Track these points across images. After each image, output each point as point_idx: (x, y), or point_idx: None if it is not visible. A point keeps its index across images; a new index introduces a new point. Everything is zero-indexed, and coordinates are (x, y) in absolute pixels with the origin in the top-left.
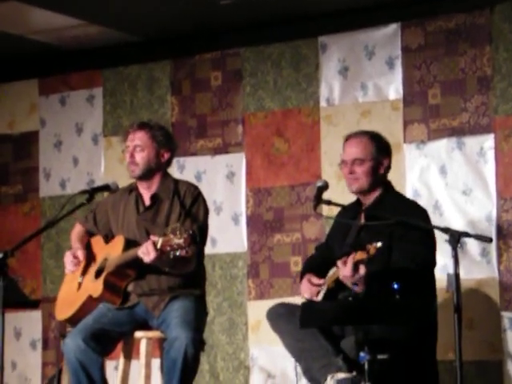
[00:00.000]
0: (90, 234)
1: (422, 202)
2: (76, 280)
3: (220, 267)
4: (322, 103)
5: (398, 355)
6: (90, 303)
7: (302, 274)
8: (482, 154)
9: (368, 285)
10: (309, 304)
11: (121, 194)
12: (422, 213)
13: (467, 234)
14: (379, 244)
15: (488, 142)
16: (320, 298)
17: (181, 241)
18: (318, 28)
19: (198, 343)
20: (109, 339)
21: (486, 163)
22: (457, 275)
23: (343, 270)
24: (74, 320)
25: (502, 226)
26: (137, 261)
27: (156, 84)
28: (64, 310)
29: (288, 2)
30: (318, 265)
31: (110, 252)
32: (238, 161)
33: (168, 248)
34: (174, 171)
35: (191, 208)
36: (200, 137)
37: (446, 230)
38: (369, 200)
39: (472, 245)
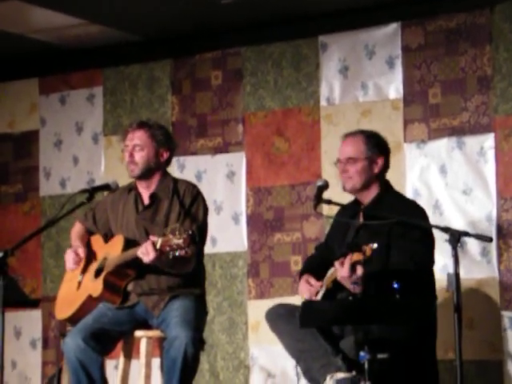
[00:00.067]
0: (89, 233)
1: (422, 201)
2: (76, 279)
3: (220, 266)
4: (323, 102)
5: (398, 355)
6: (89, 303)
7: (301, 274)
8: (482, 154)
9: (366, 285)
10: (309, 304)
11: (120, 193)
12: (420, 212)
13: (467, 234)
14: (375, 245)
15: (488, 141)
16: (319, 298)
17: (180, 241)
18: (319, 27)
19: (197, 342)
20: (109, 338)
21: (486, 163)
22: (457, 275)
23: (341, 270)
24: (74, 319)
25: (502, 226)
26: (136, 261)
27: (156, 83)
28: (64, 309)
29: (288, 2)
30: (317, 265)
31: (110, 251)
32: (238, 160)
33: (167, 248)
34: (174, 170)
35: (191, 208)
36: (200, 136)
37: (446, 230)
38: (367, 199)
39: (472, 244)
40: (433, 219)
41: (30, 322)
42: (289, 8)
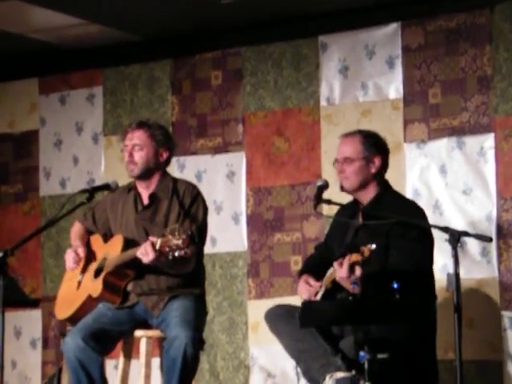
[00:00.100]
0: (89, 232)
1: (422, 201)
2: (75, 278)
3: (220, 266)
4: (323, 102)
5: (398, 354)
6: (89, 303)
7: (300, 274)
8: (482, 154)
9: (364, 286)
10: (309, 304)
11: (119, 193)
12: (419, 212)
13: (467, 234)
14: (373, 246)
15: (488, 141)
16: (318, 298)
17: (179, 242)
18: (319, 27)
19: (197, 342)
20: (109, 338)
21: (486, 163)
22: (457, 275)
23: (339, 271)
24: (74, 319)
25: (502, 226)
26: (136, 261)
27: (156, 83)
28: (64, 309)
29: (288, 2)
30: (317, 264)
31: (109, 251)
32: (238, 160)
33: (167, 249)
34: (174, 170)
35: (190, 208)
36: (200, 136)
37: (446, 230)
38: (366, 199)
39: (472, 244)
40: (433, 219)
41: (29, 321)
42: (289, 8)
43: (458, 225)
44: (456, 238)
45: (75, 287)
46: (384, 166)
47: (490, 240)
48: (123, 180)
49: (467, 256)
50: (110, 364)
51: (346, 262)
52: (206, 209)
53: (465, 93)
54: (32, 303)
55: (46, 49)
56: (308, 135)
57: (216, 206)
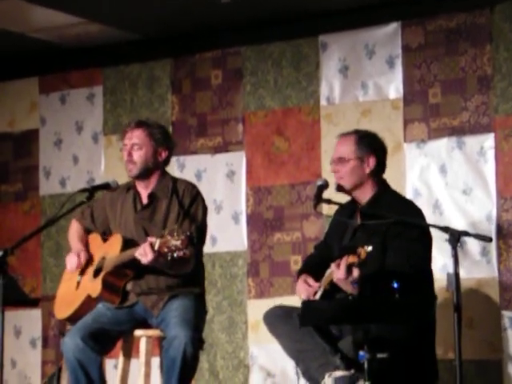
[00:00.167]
0: (87, 231)
1: (422, 201)
2: (75, 278)
3: (220, 266)
4: (323, 102)
5: (398, 354)
6: (88, 303)
7: (300, 274)
8: (482, 154)
9: (362, 286)
10: (309, 303)
11: (118, 192)
12: (416, 212)
13: (467, 234)
14: (369, 248)
15: (488, 141)
16: (317, 298)
17: (178, 242)
18: (319, 27)
19: (197, 342)
20: (108, 338)
21: (486, 162)
22: (457, 274)
23: (337, 272)
24: (73, 319)
25: (501, 226)
26: (135, 261)
27: (156, 82)
28: (63, 309)
29: (288, 1)
30: (316, 264)
31: (108, 251)
32: (238, 159)
33: (165, 249)
34: (174, 170)
35: (190, 208)
36: (200, 135)
37: (445, 230)
38: (363, 199)
39: (472, 244)
40: (433, 219)
41: (29, 321)
42: (289, 7)
43: (458, 225)
44: (456, 237)
45: (74, 287)
46: (380, 166)
47: (490, 240)
48: (123, 179)
49: (467, 256)
50: (109, 363)
51: (343, 263)
52: (205, 209)
53: (465, 93)
54: (32, 302)
55: (46, 48)
56: (308, 135)
57: (216, 206)
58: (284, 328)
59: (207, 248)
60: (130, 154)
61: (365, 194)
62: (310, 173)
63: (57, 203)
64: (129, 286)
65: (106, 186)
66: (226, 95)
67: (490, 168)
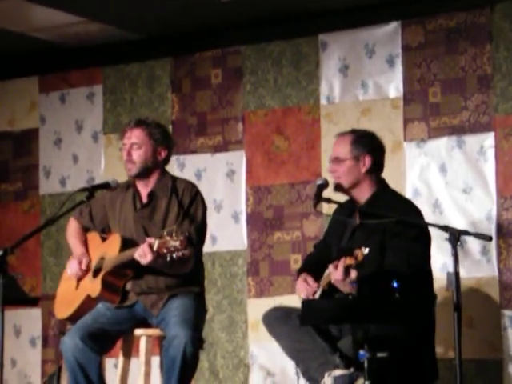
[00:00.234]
0: (85, 229)
1: (422, 200)
2: (74, 278)
3: (220, 265)
4: (323, 101)
5: (397, 353)
6: (88, 302)
7: (300, 272)
8: (482, 153)
9: (361, 286)
10: (309, 302)
11: (118, 190)
12: (415, 211)
13: (467, 233)
14: (366, 250)
15: (488, 140)
16: (316, 298)
17: (177, 243)
18: (319, 26)
19: (196, 341)
20: (108, 338)
21: (486, 162)
22: (457, 274)
23: (334, 273)
24: (73, 318)
25: (501, 225)
26: (133, 262)
27: (156, 82)
28: (63, 308)
29: (288, 0)
30: (316, 263)
31: (107, 251)
32: (238, 159)
33: (164, 250)
34: (174, 169)
35: (189, 208)
36: (200, 135)
37: (445, 229)
38: (362, 198)
39: (472, 243)
40: (433, 218)
41: (29, 320)
42: (289, 6)
43: (458, 224)
44: (456, 236)
45: (74, 287)
46: (376, 165)
47: (490, 239)
48: (123, 178)
49: (467, 255)
50: (109, 362)
51: (341, 264)
52: (204, 208)
53: (465, 92)
54: (32, 302)
55: (46, 47)
56: (308, 134)
57: (216, 205)
58: (283, 328)
59: (207, 247)
60: (129, 154)
61: (363, 194)
62: (310, 172)
63: (57, 202)
64: (128, 286)
65: (105, 186)
66: (225, 94)
67: (489, 167)
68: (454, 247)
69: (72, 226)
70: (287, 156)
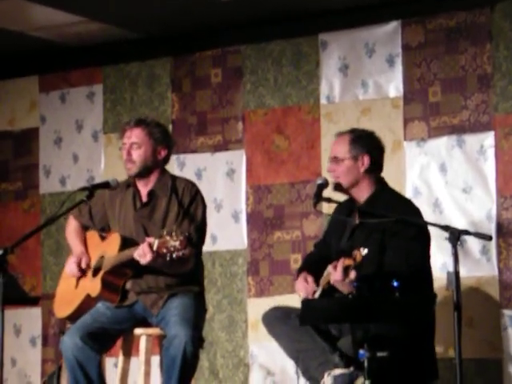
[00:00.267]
0: (84, 228)
1: (422, 199)
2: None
3: (220, 264)
4: (323, 101)
5: (397, 352)
6: (88, 302)
7: (300, 271)
8: (482, 152)
9: (360, 286)
10: (309, 302)
11: (117, 190)
12: (414, 210)
13: (467, 232)
14: (365, 251)
15: (488, 139)
16: (316, 297)
17: (177, 243)
18: (319, 25)
19: (197, 341)
20: (108, 337)
21: (486, 161)
22: (457, 273)
23: (334, 274)
24: (73, 318)
25: (501, 224)
26: (133, 261)
27: (156, 81)
28: (63, 307)
29: (288, 0)
30: (316, 262)
31: (106, 250)
32: (238, 158)
33: (164, 250)
34: (174, 168)
35: (189, 207)
36: (200, 134)
37: (445, 228)
38: (361, 198)
39: (472, 243)
40: (433, 217)
41: (29, 319)
42: (289, 6)
43: (458, 223)
44: (456, 236)
45: (73, 286)
46: (375, 165)
47: (490, 238)
48: (123, 178)
49: (467, 254)
50: (109, 362)
51: (340, 265)
52: (204, 207)
53: (465, 91)
54: (32, 301)
55: (46, 46)
56: (308, 133)
57: (216, 204)
58: (283, 328)
59: (207, 246)
60: (129, 153)
61: (362, 193)
62: (310, 171)
63: (57, 202)
64: (128, 285)
65: (105, 185)
66: (225, 94)
67: (489, 166)
68: (454, 247)
69: (71, 225)
70: (287, 155)
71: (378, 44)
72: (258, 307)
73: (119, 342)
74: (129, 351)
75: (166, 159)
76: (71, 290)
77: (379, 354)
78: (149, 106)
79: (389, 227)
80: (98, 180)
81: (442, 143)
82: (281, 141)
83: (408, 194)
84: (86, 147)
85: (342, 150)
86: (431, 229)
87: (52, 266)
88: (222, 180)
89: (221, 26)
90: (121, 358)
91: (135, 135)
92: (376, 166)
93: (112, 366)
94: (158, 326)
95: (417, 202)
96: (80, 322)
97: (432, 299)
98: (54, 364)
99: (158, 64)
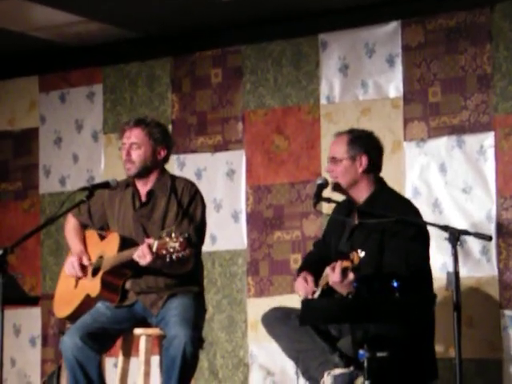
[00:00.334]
0: (83, 227)
1: (422, 200)
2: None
3: (220, 264)
4: (322, 101)
5: (397, 352)
6: (88, 302)
7: (300, 271)
8: (481, 152)
9: (359, 287)
10: (309, 302)
11: (116, 189)
12: (413, 210)
13: (467, 232)
14: (362, 253)
15: (488, 140)
16: (315, 297)
17: (176, 244)
18: (319, 25)
19: (196, 341)
20: (108, 337)
21: (486, 161)
22: (456, 273)
23: (332, 276)
24: (72, 318)
25: (501, 224)
26: (132, 262)
27: (156, 81)
28: (62, 307)
29: (289, 0)
30: (316, 261)
31: (106, 250)
32: (237, 158)
33: (164, 252)
34: (174, 168)
35: (189, 207)
36: (200, 134)
37: (445, 228)
38: (360, 198)
39: (472, 243)
40: (432, 218)
41: (29, 319)
42: (289, 6)
43: (458, 223)
44: (456, 236)
45: (73, 286)
46: (373, 165)
47: (490, 238)
48: (123, 178)
49: (467, 255)
50: (109, 362)
51: (338, 267)
52: (204, 207)
53: (465, 91)
54: (31, 301)
55: (46, 46)
56: (308, 133)
57: (216, 204)
58: (283, 329)
59: (207, 247)
60: (128, 154)
61: (361, 193)
62: (310, 171)
63: (56, 202)
64: (128, 285)
65: (105, 185)
66: (225, 94)
67: (489, 167)
68: (454, 247)
69: (70, 223)
70: (287, 155)
71: (377, 44)
72: (257, 307)
73: (119, 342)
74: (128, 351)
75: (166, 159)
76: (71, 289)
77: (379, 354)
78: (149, 106)
79: (388, 227)
80: (97, 180)
81: (442, 143)
82: (281, 141)
83: (408, 194)
84: (85, 147)
85: (340, 150)
86: (431, 229)
87: (52, 266)
88: (221, 180)
89: (221, 26)
90: (120, 358)
91: (135, 135)
92: (375, 167)
93: (112, 366)
94: (157, 326)
95: (416, 203)
96: (80, 322)
97: (432, 299)
98: (53, 364)
99: (158, 64)
